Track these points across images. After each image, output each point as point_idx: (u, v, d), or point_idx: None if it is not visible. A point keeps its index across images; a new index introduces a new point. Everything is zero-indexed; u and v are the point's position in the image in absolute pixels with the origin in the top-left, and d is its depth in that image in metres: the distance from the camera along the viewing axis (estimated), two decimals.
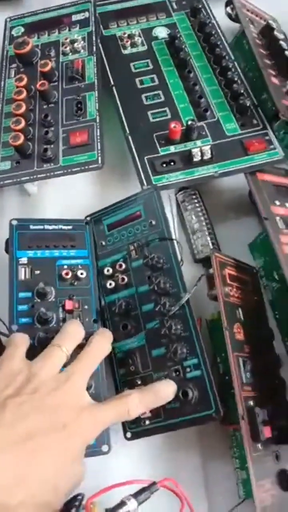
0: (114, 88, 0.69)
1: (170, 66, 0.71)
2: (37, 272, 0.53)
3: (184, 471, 0.51)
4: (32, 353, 0.46)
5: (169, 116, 0.66)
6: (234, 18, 0.75)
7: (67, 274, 0.54)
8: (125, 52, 0.73)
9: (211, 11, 0.77)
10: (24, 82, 0.67)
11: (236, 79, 0.68)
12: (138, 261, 0.55)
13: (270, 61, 0.70)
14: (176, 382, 0.48)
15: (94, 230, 0.59)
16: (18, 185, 0.62)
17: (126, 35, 0.74)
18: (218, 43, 0.71)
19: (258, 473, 0.44)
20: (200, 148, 0.62)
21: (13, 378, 0.42)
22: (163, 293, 0.52)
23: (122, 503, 0.39)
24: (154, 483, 0.41)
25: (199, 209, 0.63)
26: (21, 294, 0.52)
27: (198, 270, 0.59)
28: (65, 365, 0.46)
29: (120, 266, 0.55)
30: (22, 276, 0.53)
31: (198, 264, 0.61)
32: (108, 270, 0.56)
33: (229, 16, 0.76)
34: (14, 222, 0.56)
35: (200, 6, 0.76)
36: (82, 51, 0.71)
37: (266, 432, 0.46)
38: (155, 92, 0.69)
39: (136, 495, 0.40)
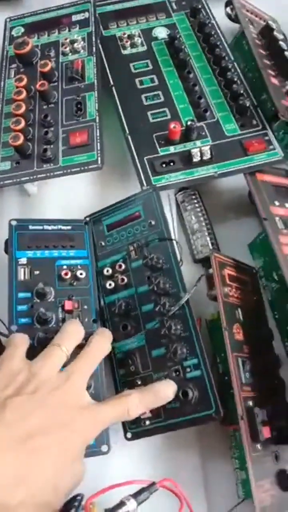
0: (113, 88, 0.69)
1: (170, 67, 0.71)
2: (37, 272, 0.53)
3: (184, 471, 0.51)
4: (32, 353, 0.46)
5: (168, 117, 0.66)
6: (234, 19, 0.75)
7: (66, 274, 0.54)
8: (125, 52, 0.73)
9: (210, 11, 0.77)
10: (24, 82, 0.67)
11: (235, 79, 0.68)
12: (138, 261, 0.55)
13: (269, 61, 0.70)
14: (176, 382, 0.48)
15: (94, 231, 0.59)
16: (18, 185, 0.62)
17: (125, 35, 0.74)
18: (218, 43, 0.71)
19: (257, 473, 0.44)
20: (200, 148, 0.62)
21: (13, 378, 0.42)
22: (163, 294, 0.52)
23: (121, 503, 0.39)
24: (153, 483, 0.41)
25: (198, 209, 0.63)
26: (21, 295, 0.52)
27: (198, 270, 0.59)
28: (65, 365, 0.46)
29: (120, 266, 0.55)
30: (21, 276, 0.53)
31: (197, 264, 0.61)
32: (107, 271, 0.56)
33: (229, 16, 0.76)
34: (14, 223, 0.56)
35: (199, 6, 0.76)
36: (82, 51, 0.71)
37: (266, 432, 0.46)
38: (155, 93, 0.69)
39: (135, 495, 0.40)
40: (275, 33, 0.71)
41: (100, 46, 0.72)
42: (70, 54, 0.72)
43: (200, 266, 0.61)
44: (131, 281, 0.55)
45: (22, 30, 0.77)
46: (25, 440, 0.39)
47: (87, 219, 0.60)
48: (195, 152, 0.62)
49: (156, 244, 0.55)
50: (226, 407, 0.46)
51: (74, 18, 0.75)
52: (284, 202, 0.62)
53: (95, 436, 0.44)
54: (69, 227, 0.58)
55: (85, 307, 0.53)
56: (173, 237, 0.55)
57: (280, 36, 0.72)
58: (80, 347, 0.48)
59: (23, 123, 0.62)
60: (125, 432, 0.49)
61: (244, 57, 0.71)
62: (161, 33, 0.75)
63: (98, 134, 0.62)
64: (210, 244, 0.60)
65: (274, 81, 0.67)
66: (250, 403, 0.48)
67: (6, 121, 0.66)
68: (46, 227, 0.57)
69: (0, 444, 0.38)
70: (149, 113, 0.67)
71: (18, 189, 0.66)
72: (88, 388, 0.47)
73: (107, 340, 0.50)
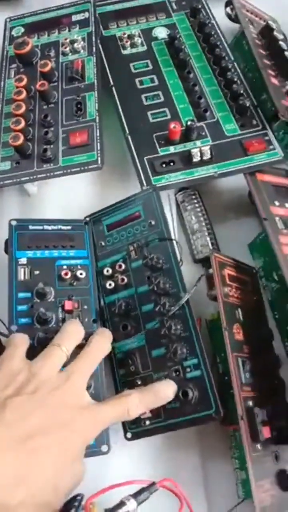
0: (113, 88, 0.69)
1: (170, 67, 0.71)
2: (37, 272, 0.53)
3: (184, 471, 0.51)
4: (32, 353, 0.46)
5: (168, 117, 0.66)
6: (234, 19, 0.75)
7: (66, 274, 0.54)
8: (125, 52, 0.73)
9: (210, 11, 0.77)
10: (24, 83, 0.67)
11: (235, 79, 0.68)
12: (138, 261, 0.55)
13: (269, 61, 0.70)
14: (176, 382, 0.48)
15: (94, 231, 0.59)
16: (18, 185, 0.62)
17: (125, 35, 0.74)
18: (218, 43, 0.71)
19: (257, 473, 0.44)
20: (200, 148, 0.62)
21: (13, 378, 0.42)
22: (163, 293, 0.52)
23: (121, 503, 0.39)
24: (153, 483, 0.41)
25: (198, 209, 0.63)
26: (21, 295, 0.52)
27: (198, 270, 0.59)
28: (65, 365, 0.46)
29: (120, 266, 0.55)
30: (21, 276, 0.53)
31: (197, 264, 0.61)
32: (107, 271, 0.56)
33: (229, 16, 0.76)
34: (13, 223, 0.56)
35: (199, 6, 0.76)
36: (82, 51, 0.71)
37: (266, 432, 0.46)
38: (155, 93, 0.69)
39: (135, 495, 0.40)
40: (275, 33, 0.71)
41: (100, 46, 0.72)
42: (70, 54, 0.72)
43: (200, 266, 0.61)
44: (131, 281, 0.55)
45: (22, 30, 0.77)
46: (25, 440, 0.39)
47: (87, 219, 0.60)
48: (195, 152, 0.62)
49: (156, 244, 0.55)
50: (226, 407, 0.46)
51: (74, 18, 0.75)
52: (284, 202, 0.62)
53: (95, 436, 0.44)
54: (69, 227, 0.58)
55: (85, 307, 0.53)
56: (173, 237, 0.55)
57: (280, 36, 0.72)
58: (80, 347, 0.48)
59: (23, 123, 0.62)
60: (125, 432, 0.49)
61: (244, 57, 0.71)
62: (161, 33, 0.75)
63: (98, 134, 0.62)
64: (210, 244, 0.60)
65: (274, 81, 0.67)
66: (250, 403, 0.48)
67: (6, 121, 0.66)
68: (46, 227, 0.57)
69: (0, 444, 0.38)
70: (149, 113, 0.67)
71: (18, 189, 0.66)
72: (88, 388, 0.47)
73: (107, 340, 0.50)
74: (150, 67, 0.71)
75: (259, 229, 0.61)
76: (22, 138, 0.61)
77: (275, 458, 0.48)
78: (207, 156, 0.62)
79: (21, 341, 0.47)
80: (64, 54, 0.72)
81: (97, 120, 0.64)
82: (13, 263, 0.53)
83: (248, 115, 0.67)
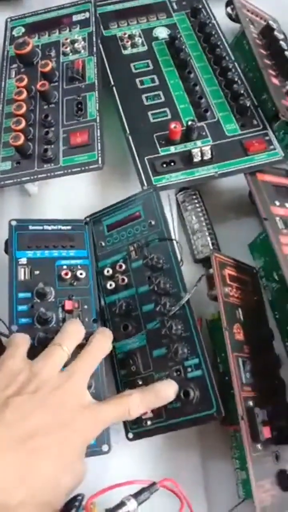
0: (114, 88, 0.69)
1: (171, 67, 0.71)
2: (37, 272, 0.53)
3: (184, 471, 0.51)
4: (33, 353, 0.46)
5: (169, 117, 0.66)
6: (234, 19, 0.75)
7: (66, 274, 0.54)
8: (126, 52, 0.73)
9: (211, 11, 0.77)
10: (24, 83, 0.67)
11: (236, 79, 0.68)
12: (138, 261, 0.55)
13: (270, 61, 0.70)
14: (177, 382, 0.48)
15: (94, 231, 0.59)
16: (19, 185, 0.62)
17: (126, 35, 0.74)
18: (218, 43, 0.71)
19: (257, 473, 0.44)
20: (200, 148, 0.62)
21: (14, 377, 0.42)
22: (163, 293, 0.52)
23: (122, 504, 0.39)
24: (153, 484, 0.41)
25: (199, 209, 0.63)
26: (21, 295, 0.52)
27: (198, 270, 0.59)
28: (65, 365, 0.46)
29: (120, 266, 0.55)
30: (21, 276, 0.53)
31: (198, 264, 0.61)
32: (108, 271, 0.56)
33: (229, 16, 0.76)
34: (13, 223, 0.56)
35: (200, 6, 0.76)
36: (82, 51, 0.71)
37: (266, 432, 0.46)
38: (156, 93, 0.69)
39: (136, 495, 0.40)
40: (275, 33, 0.71)
41: (100, 46, 0.72)
42: (70, 54, 0.72)
43: (201, 266, 0.61)
44: (132, 281, 0.55)
45: (23, 30, 0.77)
46: (26, 440, 0.39)
47: (87, 219, 0.60)
48: (196, 152, 0.62)
49: (156, 244, 0.55)
50: (227, 407, 0.46)
51: (75, 18, 0.75)
52: (284, 202, 0.62)
53: (96, 435, 0.44)
54: (69, 227, 0.58)
55: (85, 307, 0.53)
56: (173, 237, 0.55)
57: (281, 36, 0.72)
58: (80, 347, 0.48)
59: (23, 123, 0.62)
60: (127, 432, 0.49)
61: (245, 57, 0.71)
62: (162, 33, 0.75)
63: (98, 134, 0.62)
64: (210, 244, 0.60)
65: (275, 81, 0.67)
66: (251, 403, 0.48)
67: (7, 121, 0.66)
68: (46, 227, 0.57)
69: (1, 444, 0.38)
70: (149, 113, 0.67)
71: (19, 189, 0.66)
72: (88, 387, 0.47)
73: (108, 339, 0.50)
74: (151, 67, 0.71)
75: (260, 229, 0.61)
76: (22, 138, 0.61)
77: (275, 458, 0.48)
78: (207, 156, 0.62)
79: (22, 341, 0.47)
80: (64, 54, 0.72)
81: (98, 120, 0.64)
82: (13, 263, 0.53)
83: (249, 115, 0.67)
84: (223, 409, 0.45)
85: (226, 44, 0.73)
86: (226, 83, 0.68)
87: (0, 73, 0.73)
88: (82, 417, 0.43)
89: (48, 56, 0.72)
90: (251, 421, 0.46)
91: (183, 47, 0.71)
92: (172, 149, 0.64)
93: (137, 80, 0.70)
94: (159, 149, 0.64)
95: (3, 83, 0.71)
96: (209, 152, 0.62)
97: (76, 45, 0.71)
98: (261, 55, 0.69)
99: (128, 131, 0.65)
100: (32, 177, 0.61)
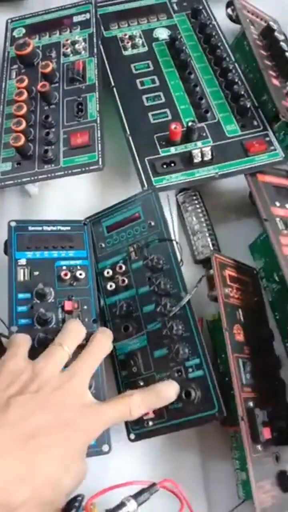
0: (114, 89, 0.69)
1: (171, 67, 0.71)
2: (36, 273, 0.53)
3: (184, 472, 0.51)
4: (33, 354, 0.46)
5: (169, 117, 0.66)
6: (235, 20, 0.75)
7: (66, 275, 0.54)
8: (126, 53, 0.73)
9: (211, 12, 0.77)
10: (25, 83, 0.67)
11: (236, 80, 0.68)
12: (138, 262, 0.55)
13: (270, 62, 0.70)
14: (179, 382, 0.48)
15: (93, 232, 0.59)
16: (19, 186, 0.62)
17: (127, 36, 0.74)
18: (219, 44, 0.71)
19: (258, 474, 0.44)
20: (201, 149, 0.62)
21: (16, 377, 0.43)
22: (164, 294, 0.52)
23: (121, 504, 0.39)
24: (153, 484, 0.41)
25: (199, 210, 0.63)
26: (20, 295, 0.52)
27: (199, 271, 0.59)
28: (66, 365, 0.46)
29: (120, 267, 0.55)
30: (21, 277, 0.53)
31: (198, 265, 0.61)
32: (108, 272, 0.56)
33: (230, 17, 0.76)
34: (13, 224, 0.55)
35: (200, 7, 0.76)
36: (83, 52, 0.71)
37: (266, 433, 0.46)
38: (156, 93, 0.69)
39: (135, 496, 0.40)
40: (276, 34, 0.71)
41: (101, 47, 0.72)
42: (71, 55, 0.72)
43: (201, 267, 0.61)
44: (132, 282, 0.55)
45: (23, 31, 0.77)
46: (27, 440, 0.39)
47: (87, 220, 0.60)
48: (196, 153, 0.62)
49: (156, 245, 0.55)
50: (227, 408, 0.46)
51: (75, 19, 0.76)
52: (285, 203, 0.62)
53: (97, 435, 0.44)
54: (68, 228, 0.57)
55: (85, 307, 0.53)
56: (173, 237, 0.55)
57: (281, 37, 0.72)
58: (81, 347, 0.48)
59: (24, 124, 0.62)
60: (128, 433, 0.49)
61: (245, 58, 0.71)
62: (162, 34, 0.75)
63: (99, 135, 0.63)
64: (210, 245, 0.60)
65: (275, 82, 0.67)
66: (251, 404, 0.48)
67: (7, 122, 0.66)
68: (45, 228, 0.57)
69: (3, 444, 0.38)
70: (150, 114, 0.67)
71: (19, 190, 0.66)
72: (89, 388, 0.47)
73: (108, 339, 0.51)
74: (151, 68, 0.71)
75: (260, 230, 0.61)
76: (23, 139, 0.61)
77: (275, 459, 0.48)
78: (208, 157, 0.62)
79: (23, 341, 0.47)
80: (65, 55, 0.72)
81: (98, 121, 0.64)
82: (13, 264, 0.53)
83: (249, 116, 0.67)
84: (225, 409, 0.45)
85: (226, 45, 0.73)
86: (227, 84, 0.68)
87: (0, 74, 0.73)
88: (83, 417, 0.43)
89: (48, 57, 0.72)
90: (251, 422, 0.46)
91: (184, 48, 0.71)
92: (173, 150, 0.64)
93: (138, 81, 0.70)
94: (160, 150, 0.64)
95: (3, 84, 0.71)
96: (210, 153, 0.62)
97: (76, 46, 0.71)
98: (262, 56, 0.69)
99: (128, 132, 0.65)
100: (32, 178, 0.61)
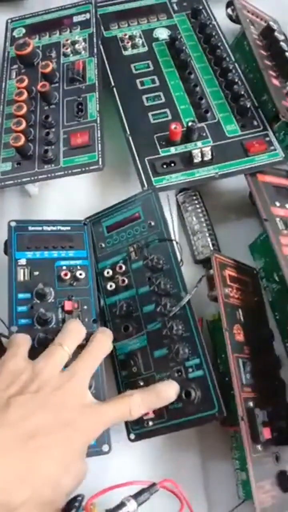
0: (114, 89, 0.69)
1: (171, 67, 0.71)
2: (36, 273, 0.53)
3: (184, 472, 0.51)
4: (33, 354, 0.46)
5: (169, 117, 0.66)
6: (235, 20, 0.75)
7: (66, 275, 0.54)
8: (126, 53, 0.73)
9: (211, 12, 0.77)
10: (25, 83, 0.67)
11: (236, 80, 0.68)
12: (138, 262, 0.55)
13: (270, 62, 0.70)
14: (179, 382, 0.48)
15: (93, 232, 0.59)
16: (19, 186, 0.62)
17: (127, 36, 0.74)
18: (219, 44, 0.71)
19: (258, 474, 0.44)
20: (201, 149, 0.62)
21: (16, 377, 0.43)
22: (164, 294, 0.52)
23: (121, 504, 0.39)
24: (153, 484, 0.41)
25: (199, 210, 0.63)
26: (20, 295, 0.52)
27: (199, 271, 0.59)
28: (66, 365, 0.46)
29: (120, 268, 0.55)
30: (21, 277, 0.53)
31: (198, 265, 0.61)
32: (108, 272, 0.56)
33: (230, 17, 0.76)
34: (13, 224, 0.55)
35: (200, 7, 0.76)
36: (83, 52, 0.71)
37: (266, 433, 0.46)
38: (156, 93, 0.69)
39: (135, 496, 0.40)
40: (276, 34, 0.71)
41: (101, 47, 0.72)
42: (71, 55, 0.72)
43: (201, 267, 0.61)
44: (132, 282, 0.55)
45: (23, 31, 0.77)
46: (27, 440, 0.39)
47: (87, 220, 0.60)
48: (196, 153, 0.62)
49: (156, 245, 0.55)
50: (227, 408, 0.46)
51: (75, 19, 0.75)
52: (285, 203, 0.62)
53: (97, 435, 0.44)
54: (68, 228, 0.57)
55: (85, 307, 0.53)
56: (173, 237, 0.55)
57: (281, 37, 0.72)
58: (81, 347, 0.48)
59: (24, 124, 0.62)
60: (128, 433, 0.49)
61: (245, 58, 0.71)
62: (162, 34, 0.75)
63: (99, 135, 0.63)
64: (210, 245, 0.60)
65: (275, 82, 0.67)
66: (251, 404, 0.48)
67: (7, 122, 0.66)
68: (45, 228, 0.57)
69: (3, 444, 0.38)
70: (150, 114, 0.67)
71: (19, 190, 0.66)
72: (89, 388, 0.47)
73: (108, 339, 0.51)
74: (151, 68, 0.71)
75: (260, 230, 0.61)
76: (23, 139, 0.61)
77: (275, 459, 0.48)
78: (208, 157, 0.62)
79: (23, 341, 0.47)
80: (65, 55, 0.72)
81: (98, 121, 0.64)
82: (13, 264, 0.53)
83: (249, 116, 0.67)
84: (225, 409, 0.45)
85: (226, 45, 0.73)
86: (227, 84, 0.68)
87: (0, 74, 0.73)
88: (83, 417, 0.43)
89: (48, 57, 0.72)
90: (251, 422, 0.46)
91: (184, 48, 0.71)
92: (173, 150, 0.64)
93: (138, 81, 0.70)
94: (160, 150, 0.64)
95: (3, 84, 0.71)
96: (210, 153, 0.62)
97: (76, 46, 0.71)
98: (262, 56, 0.69)
99: (128, 132, 0.65)
100: (32, 178, 0.61)
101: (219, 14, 0.76)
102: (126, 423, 0.49)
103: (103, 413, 0.45)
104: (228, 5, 0.76)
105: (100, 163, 0.60)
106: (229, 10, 0.76)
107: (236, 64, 0.71)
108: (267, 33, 0.73)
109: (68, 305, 0.52)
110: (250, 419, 0.46)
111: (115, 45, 0.74)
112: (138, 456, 0.51)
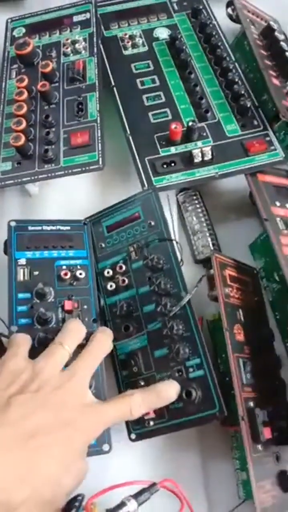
0: (115, 89, 0.69)
1: (171, 67, 0.71)
2: (36, 273, 0.53)
3: (185, 471, 0.51)
4: (33, 353, 0.46)
5: (170, 117, 0.66)
6: (235, 19, 0.75)
7: (66, 274, 0.54)
8: (126, 53, 0.73)
9: (212, 12, 0.77)
10: (25, 83, 0.67)
11: (236, 80, 0.68)
12: (138, 262, 0.55)
13: (270, 62, 0.70)
14: (179, 382, 0.48)
15: (93, 232, 0.59)
16: (19, 185, 0.62)
17: (127, 36, 0.74)
18: (219, 44, 0.71)
19: (258, 474, 0.44)
20: (201, 149, 0.62)
21: (16, 376, 0.43)
22: (164, 294, 0.52)
23: (122, 504, 0.39)
24: (154, 484, 0.41)
25: (199, 210, 0.63)
26: (20, 295, 0.52)
27: (199, 271, 0.59)
28: (67, 364, 0.46)
29: (120, 267, 0.55)
30: (21, 277, 0.53)
31: (198, 265, 0.61)
32: (108, 272, 0.56)
33: (230, 17, 0.76)
34: (13, 223, 0.55)
35: (201, 7, 0.76)
36: (83, 51, 0.71)
37: (266, 433, 0.46)
38: (156, 93, 0.69)
39: (136, 495, 0.40)
40: (276, 33, 0.71)
41: (101, 46, 0.72)
42: (71, 54, 0.72)
43: (201, 267, 0.61)
44: (132, 282, 0.55)
45: (23, 30, 0.77)
46: (28, 439, 0.39)
47: (87, 220, 0.60)
48: (196, 152, 0.62)
49: (156, 245, 0.55)
50: (227, 408, 0.46)
51: (76, 18, 0.75)
52: (285, 202, 0.62)
53: (98, 435, 0.44)
54: (68, 228, 0.57)
55: (85, 307, 0.53)
56: (173, 237, 0.55)
57: (281, 37, 0.72)
58: (81, 347, 0.48)
59: (24, 124, 0.62)
60: (129, 433, 0.49)
61: (245, 58, 0.71)
62: (162, 33, 0.75)
63: (99, 135, 0.63)
64: (211, 245, 0.60)
65: (275, 81, 0.67)
66: (251, 403, 0.48)
67: (7, 122, 0.66)
68: (45, 227, 0.56)
69: (3, 443, 0.38)
70: (150, 113, 0.67)
71: (19, 189, 0.66)
72: (89, 387, 0.47)
73: (108, 338, 0.51)
74: (151, 67, 0.71)
75: (260, 230, 0.61)
76: (23, 138, 0.61)
77: (276, 459, 0.48)
78: (208, 156, 0.62)
79: (23, 341, 0.47)
80: (65, 54, 0.72)
81: (98, 121, 0.64)
82: (13, 264, 0.53)
83: (249, 115, 0.67)
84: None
85: (226, 45, 0.73)
86: (227, 83, 0.68)
87: (0, 73, 0.73)
88: (84, 417, 0.43)
89: (48, 57, 0.72)
90: (251, 422, 0.46)
91: (184, 47, 0.71)
92: (173, 150, 0.64)
93: (138, 80, 0.70)
94: (160, 150, 0.64)
95: (3, 83, 0.71)
96: (210, 152, 0.62)
97: (76, 45, 0.71)
98: (262, 55, 0.69)
99: (128, 132, 0.65)
100: (32, 178, 0.61)
101: (219, 14, 0.76)
102: (127, 422, 0.49)
103: (103, 412, 0.45)
104: (228, 4, 0.76)
105: (100, 162, 0.60)
106: (229, 10, 0.76)
107: (236, 64, 0.71)
108: (267, 32, 0.73)
109: (68, 305, 0.52)
110: (251, 419, 0.46)
111: (115, 44, 0.74)
112: (139, 455, 0.51)
